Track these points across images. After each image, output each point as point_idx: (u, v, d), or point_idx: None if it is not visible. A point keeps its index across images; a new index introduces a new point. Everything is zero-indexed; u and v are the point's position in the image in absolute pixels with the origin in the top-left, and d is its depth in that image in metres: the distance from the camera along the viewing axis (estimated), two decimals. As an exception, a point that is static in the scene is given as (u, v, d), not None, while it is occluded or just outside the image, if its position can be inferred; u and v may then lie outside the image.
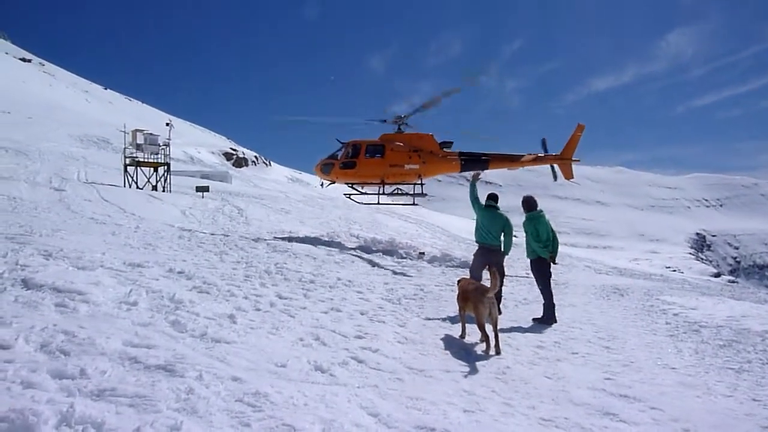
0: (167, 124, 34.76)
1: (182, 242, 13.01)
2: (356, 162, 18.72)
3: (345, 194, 20.44)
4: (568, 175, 19.69)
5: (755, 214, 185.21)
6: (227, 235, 15.78)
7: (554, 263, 9.12)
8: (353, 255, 14.70)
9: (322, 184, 20.07)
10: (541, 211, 9.28)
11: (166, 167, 31.40)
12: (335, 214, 26.66)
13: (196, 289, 7.47)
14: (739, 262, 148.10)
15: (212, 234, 15.76)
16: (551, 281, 9.09)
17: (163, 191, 29.27)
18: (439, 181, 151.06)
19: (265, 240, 15.41)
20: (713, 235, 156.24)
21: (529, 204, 9.25)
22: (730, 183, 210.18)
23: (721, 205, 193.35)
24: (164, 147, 32.24)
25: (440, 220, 38.60)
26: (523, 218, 9.22)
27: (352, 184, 19.35)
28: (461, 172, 19.58)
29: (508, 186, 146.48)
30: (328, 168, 18.97)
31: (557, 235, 9.34)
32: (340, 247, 16.08)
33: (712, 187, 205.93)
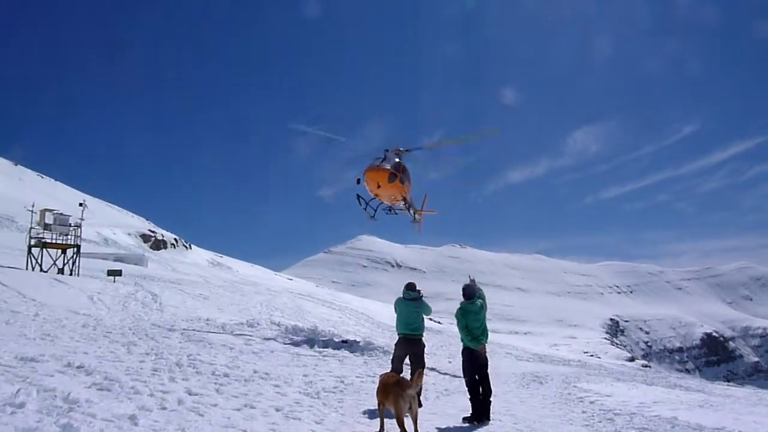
0: (81, 204, 33.16)
1: (86, 332, 12.13)
2: (404, 179, 19.59)
3: (359, 196, 20.44)
4: (419, 228, 24.49)
5: (662, 300, 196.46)
6: (138, 324, 14.88)
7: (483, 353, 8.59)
8: (273, 344, 14.19)
9: (358, 181, 19.04)
10: (475, 300, 8.81)
11: (75, 249, 29.71)
12: (256, 301, 25.90)
13: (96, 386, 6.89)
14: (650, 347, 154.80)
15: (121, 322, 14.83)
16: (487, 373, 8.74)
17: (71, 275, 27.51)
18: (365, 266, 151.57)
19: (179, 329, 14.63)
20: (626, 321, 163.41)
21: (464, 293, 8.93)
22: (638, 270, 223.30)
23: (631, 292, 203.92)
24: (75, 227, 30.64)
25: (364, 306, 38.26)
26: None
27: (399, 199, 20.18)
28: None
29: (431, 272, 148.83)
30: (393, 178, 18.88)
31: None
32: (260, 336, 15.50)
33: (623, 274, 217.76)
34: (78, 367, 7.67)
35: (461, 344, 8.74)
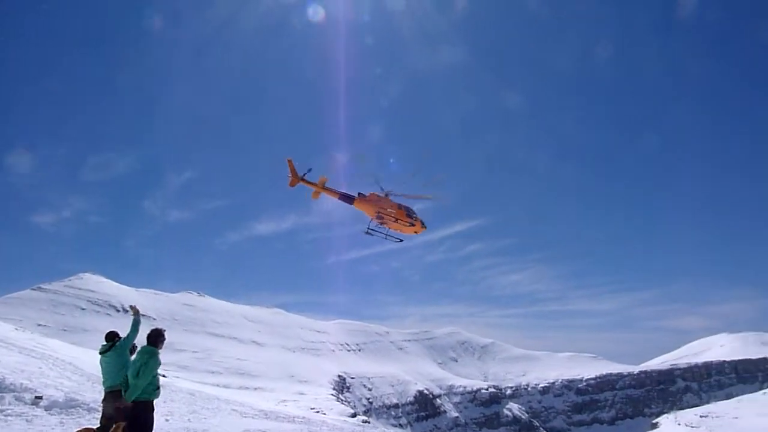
0: None
1: None
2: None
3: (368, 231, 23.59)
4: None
5: (386, 359, 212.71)
6: None
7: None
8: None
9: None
10: (143, 349, 7.94)
11: None
12: (-77, 344, 20.53)
13: None
14: (371, 403, 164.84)
15: None
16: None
17: None
18: (83, 309, 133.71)
19: None
20: (352, 378, 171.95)
21: (147, 338, 8.09)
22: (367, 330, 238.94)
23: (359, 350, 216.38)
24: None
25: (75, 355, 33.23)
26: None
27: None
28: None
29: (162, 320, 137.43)
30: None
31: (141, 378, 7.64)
32: None
33: (354, 332, 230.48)
34: None
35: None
